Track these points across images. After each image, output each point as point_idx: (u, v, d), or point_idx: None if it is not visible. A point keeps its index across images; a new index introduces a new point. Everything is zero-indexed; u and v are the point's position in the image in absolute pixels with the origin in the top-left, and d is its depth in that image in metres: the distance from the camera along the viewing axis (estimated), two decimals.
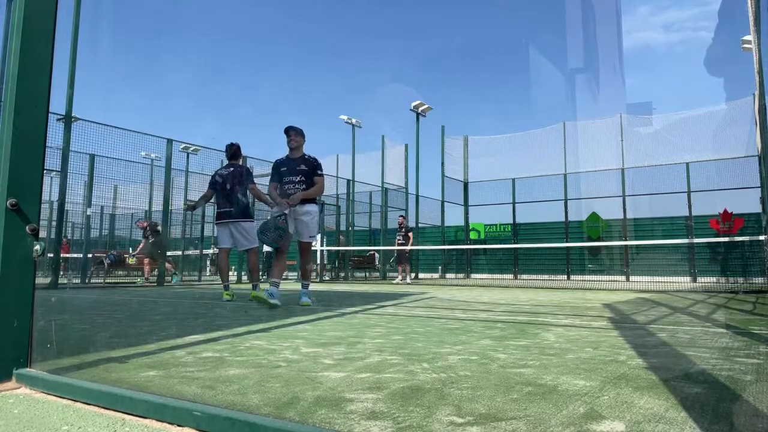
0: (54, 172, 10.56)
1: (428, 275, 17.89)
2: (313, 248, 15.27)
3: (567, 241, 16.56)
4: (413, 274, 17.32)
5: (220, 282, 6.20)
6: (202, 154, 14.17)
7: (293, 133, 5.23)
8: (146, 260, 11.31)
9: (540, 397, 1.54)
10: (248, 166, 11.61)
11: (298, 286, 11.26)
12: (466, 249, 17.87)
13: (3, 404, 1.51)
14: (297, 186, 5.08)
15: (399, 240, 13.46)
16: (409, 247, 13.55)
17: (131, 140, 10.85)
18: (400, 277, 13.59)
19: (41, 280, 9.08)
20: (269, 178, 5.38)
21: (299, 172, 5.17)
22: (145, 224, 11.53)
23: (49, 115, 1.87)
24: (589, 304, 5.53)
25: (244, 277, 12.87)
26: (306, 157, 5.23)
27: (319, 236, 15.23)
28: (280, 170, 5.22)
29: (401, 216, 14.54)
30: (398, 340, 2.72)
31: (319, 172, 5.20)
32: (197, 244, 16.63)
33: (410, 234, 13.75)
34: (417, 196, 18.24)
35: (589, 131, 17.00)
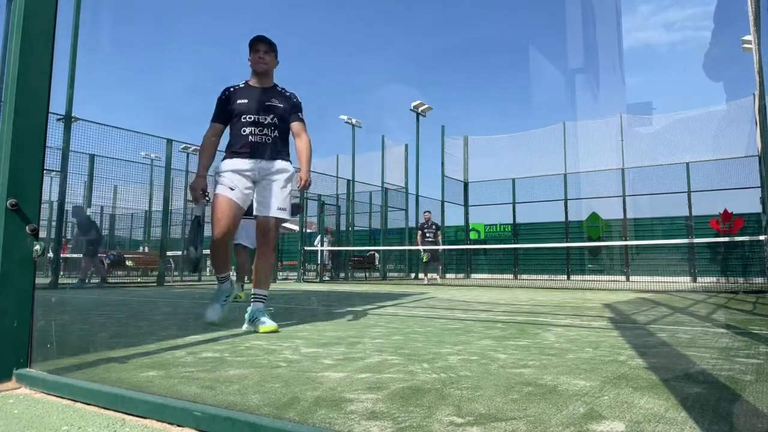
0: (54, 172, 10.55)
1: (428, 275, 17.88)
2: (313, 248, 15.42)
3: (567, 241, 16.56)
4: (413, 275, 17.28)
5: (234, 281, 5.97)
6: None
7: (264, 48, 3.31)
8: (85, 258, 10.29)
9: (540, 397, 1.54)
10: None
11: (299, 286, 11.26)
12: (466, 249, 17.87)
13: (3, 404, 1.51)
14: (267, 131, 3.26)
15: (429, 237, 12.70)
16: (441, 247, 13.03)
17: (131, 140, 10.86)
18: (428, 277, 13.21)
19: (41, 280, 9.08)
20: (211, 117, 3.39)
21: (271, 109, 3.29)
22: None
23: (49, 115, 1.87)
24: (589, 304, 5.53)
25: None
26: (280, 88, 3.40)
27: (319, 237, 15.22)
28: (235, 104, 3.27)
29: (427, 212, 13.86)
30: (398, 340, 2.71)
31: (301, 114, 3.39)
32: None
33: (439, 232, 13.14)
34: (417, 196, 18.25)
35: (589, 131, 17.01)
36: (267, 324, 3.04)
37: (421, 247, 13.04)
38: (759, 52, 3.58)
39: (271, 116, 3.28)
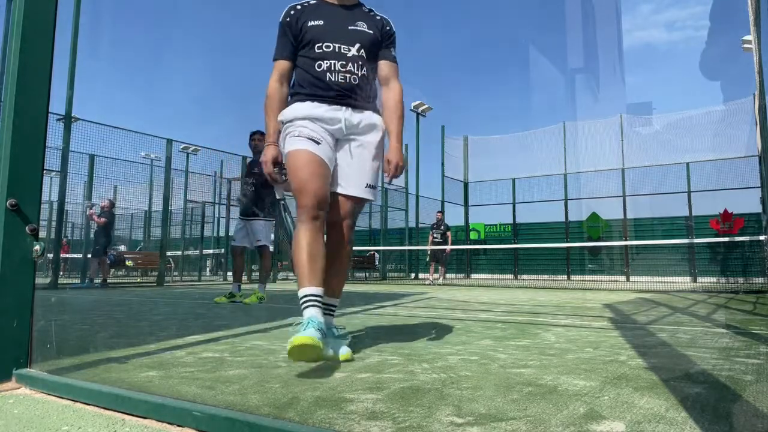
0: (54, 172, 10.56)
1: (427, 275, 17.90)
2: None
3: (567, 241, 16.56)
4: (413, 275, 17.28)
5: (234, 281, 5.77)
6: (202, 154, 14.19)
7: None
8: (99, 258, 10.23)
9: (540, 397, 1.54)
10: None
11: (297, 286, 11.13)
12: (466, 249, 17.86)
13: (3, 404, 1.51)
14: (352, 67, 2.27)
15: (436, 238, 12.52)
16: (448, 247, 12.69)
17: (131, 140, 10.88)
18: (432, 278, 12.81)
19: (41, 280, 9.08)
20: (275, 49, 2.36)
21: (356, 36, 2.32)
22: (107, 205, 10.35)
23: (49, 115, 1.87)
24: (589, 305, 5.53)
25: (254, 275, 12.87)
26: (367, 9, 2.44)
27: None
28: (307, 27, 2.29)
29: (439, 212, 13.76)
30: (399, 340, 2.71)
31: (394, 51, 2.43)
32: (197, 244, 16.63)
33: (449, 233, 12.78)
34: (417, 196, 18.26)
35: (589, 131, 17.01)
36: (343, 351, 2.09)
37: (428, 247, 13.02)
38: (759, 52, 3.58)
39: (357, 46, 2.29)
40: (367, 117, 2.30)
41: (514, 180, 18.14)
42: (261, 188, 5.71)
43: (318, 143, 2.19)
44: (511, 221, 18.15)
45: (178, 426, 1.29)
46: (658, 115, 16.34)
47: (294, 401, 1.49)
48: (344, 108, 2.25)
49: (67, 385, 1.58)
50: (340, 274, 2.34)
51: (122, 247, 15.03)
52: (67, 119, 9.15)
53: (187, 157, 14.65)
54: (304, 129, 2.20)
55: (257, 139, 5.76)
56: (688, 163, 15.13)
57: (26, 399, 1.57)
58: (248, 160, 6.60)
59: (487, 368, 1.97)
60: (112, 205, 10.56)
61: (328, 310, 2.26)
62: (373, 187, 2.33)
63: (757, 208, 13.48)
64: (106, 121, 10.46)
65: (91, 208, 10.27)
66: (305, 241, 2.12)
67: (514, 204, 18.16)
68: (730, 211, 14.45)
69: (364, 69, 2.31)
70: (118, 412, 1.41)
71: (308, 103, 2.24)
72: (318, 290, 2.08)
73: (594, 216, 16.58)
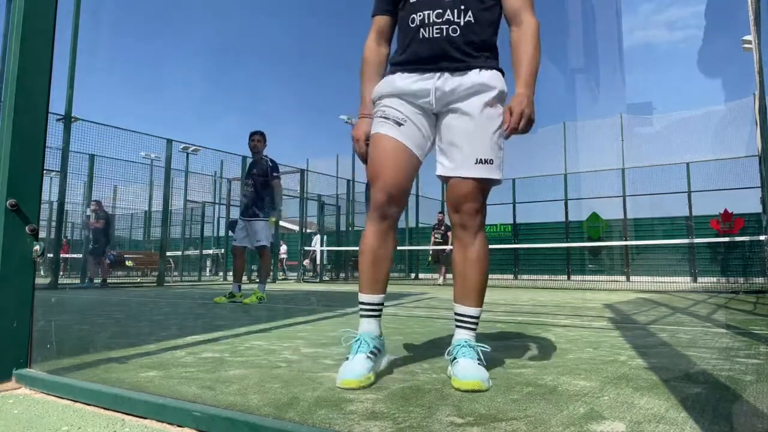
0: (54, 172, 10.56)
1: (429, 275, 17.91)
2: (311, 248, 15.38)
3: (567, 241, 16.56)
4: (413, 275, 17.30)
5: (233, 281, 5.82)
6: (202, 154, 14.18)
7: None
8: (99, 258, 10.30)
9: (540, 397, 1.54)
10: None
11: (299, 286, 11.26)
12: None
13: (3, 404, 1.51)
14: (451, 15, 1.79)
15: (437, 238, 12.54)
16: (449, 248, 12.74)
17: (131, 140, 10.88)
18: (443, 278, 12.75)
19: (41, 280, 9.08)
20: None
21: None
22: (95, 207, 10.36)
23: (49, 115, 1.86)
24: (589, 305, 5.53)
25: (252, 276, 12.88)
26: None
27: (318, 237, 15.20)
28: None
29: (440, 212, 13.68)
30: (398, 340, 2.71)
31: None
32: (197, 244, 16.63)
33: (450, 234, 12.71)
34: (417, 196, 18.26)
35: (589, 131, 17.02)
36: (468, 377, 1.65)
37: (429, 247, 13.04)
38: (759, 52, 3.58)
39: None
40: (470, 78, 1.80)
41: (514, 180, 18.13)
42: (261, 188, 5.72)
43: (401, 124, 1.84)
44: (511, 221, 18.15)
45: (178, 426, 1.29)
46: (658, 115, 16.38)
47: (294, 401, 1.49)
48: (438, 74, 1.82)
49: (67, 385, 1.58)
50: (476, 274, 1.87)
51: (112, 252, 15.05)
52: (67, 119, 9.14)
53: (187, 157, 14.64)
54: (387, 108, 1.87)
55: (256, 139, 5.78)
56: (688, 163, 15.13)
57: (26, 399, 1.57)
58: (248, 160, 6.61)
59: (487, 368, 1.97)
60: (99, 204, 10.52)
61: (466, 324, 1.89)
62: (488, 161, 1.83)
63: (757, 208, 13.48)
64: (106, 121, 10.47)
65: (88, 217, 10.32)
66: (369, 245, 1.85)
67: (514, 204, 18.15)
68: (730, 211, 14.45)
69: (470, 14, 1.81)
70: (118, 412, 1.41)
71: (397, 75, 1.88)
72: (377, 298, 1.85)
73: (594, 216, 16.58)
